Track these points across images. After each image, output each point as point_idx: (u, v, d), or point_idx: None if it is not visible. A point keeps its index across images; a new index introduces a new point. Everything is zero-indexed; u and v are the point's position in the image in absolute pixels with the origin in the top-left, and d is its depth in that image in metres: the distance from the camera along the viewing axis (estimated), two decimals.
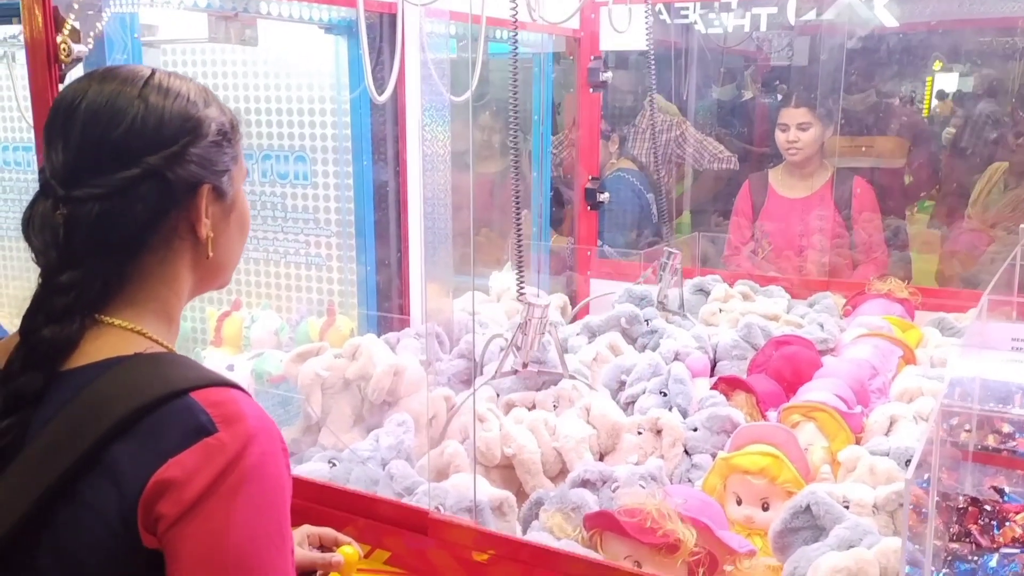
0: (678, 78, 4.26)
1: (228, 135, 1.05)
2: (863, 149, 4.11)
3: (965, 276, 3.55)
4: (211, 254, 1.05)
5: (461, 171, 2.67)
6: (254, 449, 0.91)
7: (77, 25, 1.73)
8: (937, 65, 4.53)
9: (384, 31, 2.54)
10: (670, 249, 2.76)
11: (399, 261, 2.77)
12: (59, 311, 0.94)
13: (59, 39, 1.67)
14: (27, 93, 2.75)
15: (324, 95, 2.65)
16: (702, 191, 4.48)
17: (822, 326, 2.52)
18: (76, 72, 1.72)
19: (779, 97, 4.75)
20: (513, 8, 2.12)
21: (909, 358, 2.30)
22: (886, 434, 1.85)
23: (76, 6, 1.74)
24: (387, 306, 2.78)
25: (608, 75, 3.36)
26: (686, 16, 3.56)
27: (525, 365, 2.04)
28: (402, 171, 2.71)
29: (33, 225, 0.97)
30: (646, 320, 2.53)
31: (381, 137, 2.67)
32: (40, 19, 1.66)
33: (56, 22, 1.68)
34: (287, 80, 2.67)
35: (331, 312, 2.70)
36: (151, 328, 1.00)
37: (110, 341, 0.97)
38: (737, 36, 4.21)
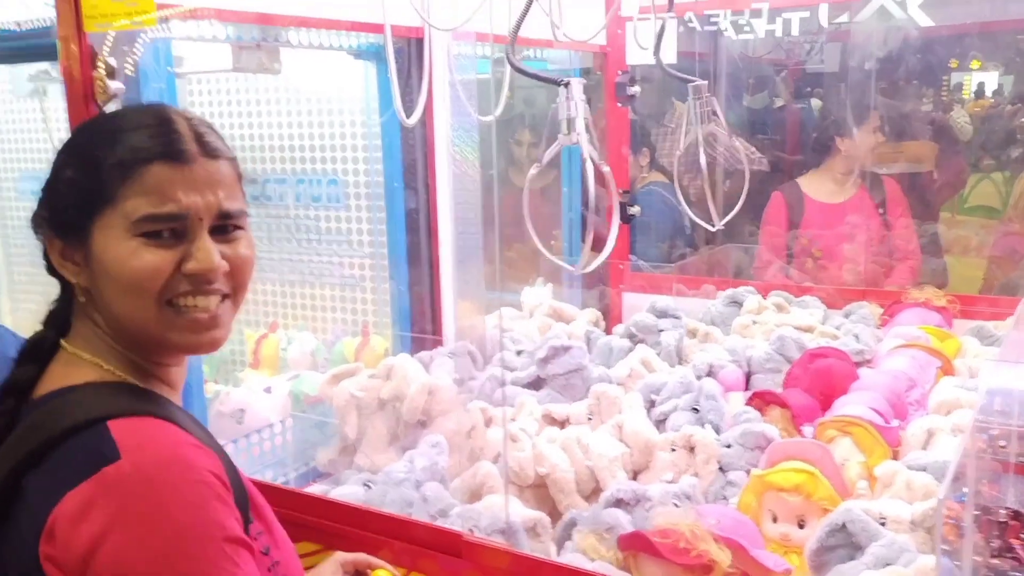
0: (708, 87, 4.24)
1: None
2: (895, 154, 4.05)
3: (1006, 282, 3.49)
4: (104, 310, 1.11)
5: (490, 189, 2.69)
6: (158, 477, 0.86)
7: (112, 61, 1.78)
8: (975, 64, 4.47)
9: (412, 55, 2.57)
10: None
11: (431, 280, 2.79)
12: (35, 348, 1.02)
13: (95, 76, 1.72)
14: (59, 126, 2.83)
15: (355, 119, 2.69)
16: (734, 198, 4.45)
17: (858, 337, 2.49)
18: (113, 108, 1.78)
19: (812, 104, 4.72)
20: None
21: (947, 369, 2.26)
22: (924, 448, 1.82)
23: (109, 41, 1.78)
24: (420, 325, 2.80)
25: (636, 89, 3.36)
26: (715, 23, 3.55)
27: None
28: (432, 191, 2.74)
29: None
30: (659, 331, 2.52)
31: (411, 159, 2.70)
32: (77, 57, 1.71)
33: (92, 60, 1.73)
34: (319, 106, 2.72)
35: (365, 332, 2.73)
36: (116, 360, 0.99)
37: (71, 371, 0.98)
38: (768, 42, 4.19)
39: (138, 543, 0.83)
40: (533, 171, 1.82)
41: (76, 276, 0.99)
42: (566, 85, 1.72)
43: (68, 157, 1.01)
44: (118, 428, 0.88)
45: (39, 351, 1.02)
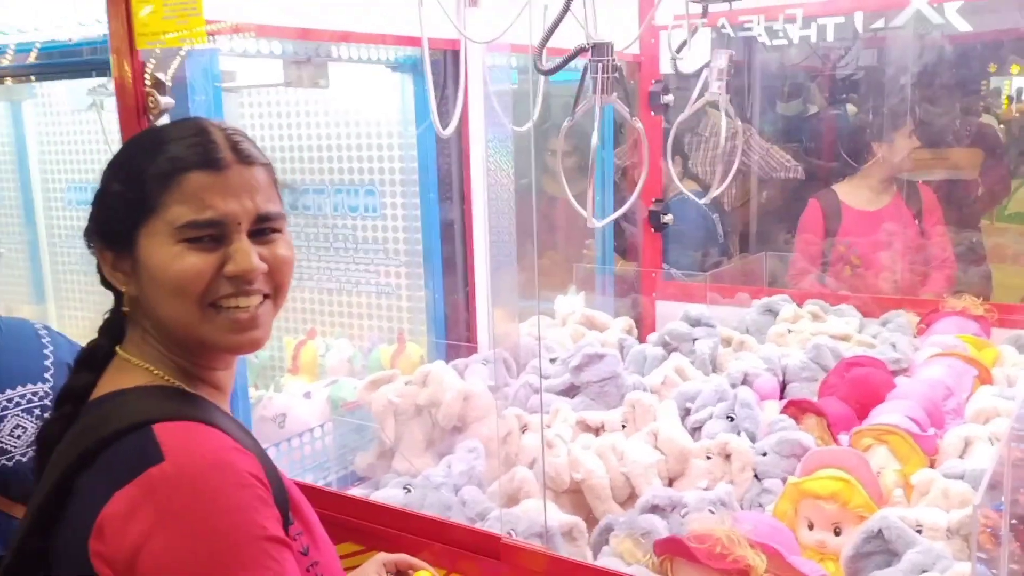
0: (742, 94, 4.25)
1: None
2: (935, 160, 4.01)
3: None
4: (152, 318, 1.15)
5: (524, 198, 2.72)
6: (200, 479, 0.89)
7: (162, 77, 1.84)
8: (1015, 69, 4.41)
9: (448, 67, 2.62)
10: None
11: (465, 288, 2.83)
12: (89, 353, 1.08)
13: (147, 91, 1.78)
14: (117, 139, 2.91)
15: (392, 130, 2.74)
16: (769, 208, 4.44)
17: (894, 346, 2.48)
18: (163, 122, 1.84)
19: (847, 110, 4.68)
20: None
21: (985, 378, 2.25)
22: (961, 456, 1.82)
23: (155, 57, 1.84)
24: (455, 332, 2.84)
25: (669, 98, 3.38)
26: (750, 29, 3.55)
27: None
28: (467, 200, 2.78)
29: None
30: (693, 339, 2.54)
31: (447, 169, 2.74)
32: (129, 73, 1.77)
33: (143, 76, 1.79)
34: (356, 117, 2.78)
35: (401, 340, 2.78)
36: (163, 365, 1.03)
37: (123, 375, 1.03)
38: (803, 48, 4.18)
39: (181, 543, 0.87)
40: (566, 124, 1.88)
41: (125, 285, 1.04)
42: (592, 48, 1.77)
43: (114, 171, 1.06)
44: (163, 431, 0.92)
45: (94, 359, 1.07)
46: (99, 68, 2.10)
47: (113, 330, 1.09)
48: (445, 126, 2.36)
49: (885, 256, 3.20)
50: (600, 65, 1.86)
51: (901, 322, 2.74)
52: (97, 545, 0.88)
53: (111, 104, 2.74)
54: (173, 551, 0.86)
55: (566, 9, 1.90)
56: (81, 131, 3.33)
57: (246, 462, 0.94)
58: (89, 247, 1.09)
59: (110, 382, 1.02)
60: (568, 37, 2.21)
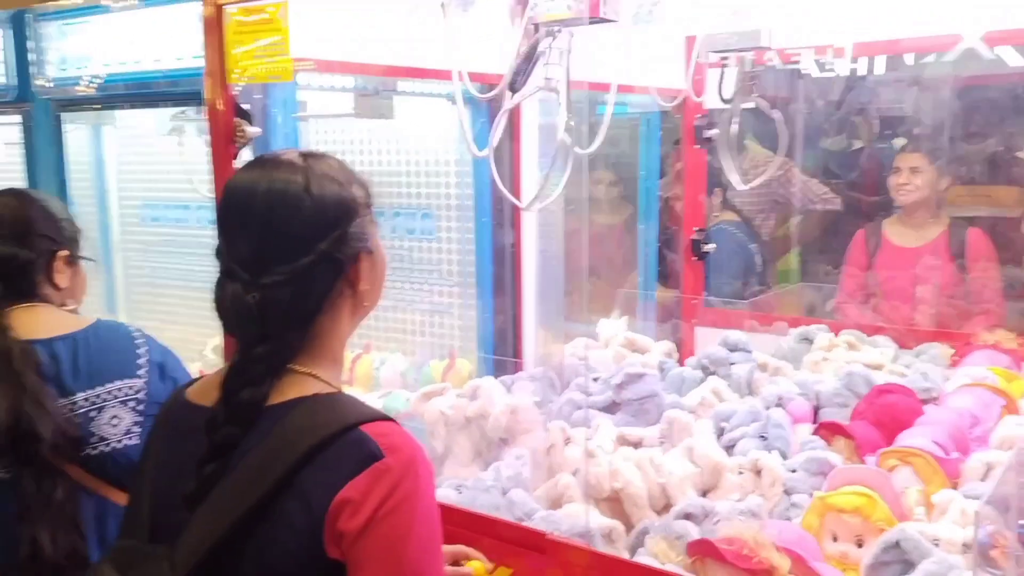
0: (789, 127, 4.34)
1: (369, 204, 1.24)
2: (979, 198, 4.05)
3: None
4: (367, 303, 1.27)
5: (574, 226, 2.87)
6: (413, 471, 1.09)
7: (247, 107, 2.04)
8: None
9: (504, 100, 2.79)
10: None
11: (514, 309, 2.99)
12: (255, 377, 1.14)
13: (236, 123, 1.98)
14: (194, 160, 3.14)
15: (449, 158, 2.92)
16: (809, 240, 4.53)
17: (925, 375, 2.57)
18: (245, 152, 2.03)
19: (894, 144, 4.76)
20: None
21: (1012, 408, 2.33)
22: (982, 479, 1.91)
23: (238, 88, 2.02)
24: (502, 351, 2.99)
25: (714, 132, 3.52)
26: (797, 62, 3.64)
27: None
28: (517, 226, 2.95)
29: (225, 305, 1.16)
30: (731, 363, 2.66)
31: (499, 195, 2.91)
32: (221, 104, 1.97)
33: (233, 107, 1.99)
34: (417, 145, 2.96)
35: (452, 356, 2.93)
36: (323, 371, 1.20)
37: (293, 384, 1.16)
38: (848, 83, 4.26)
39: (408, 521, 1.07)
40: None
41: (364, 284, 1.22)
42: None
43: (354, 204, 1.20)
44: (373, 431, 1.10)
45: (253, 376, 1.16)
46: (190, 98, 2.31)
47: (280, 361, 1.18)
48: (502, 153, 2.53)
49: (920, 291, 3.28)
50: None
51: (935, 353, 2.83)
52: (332, 525, 1.06)
53: (191, 129, 2.97)
54: (400, 528, 1.07)
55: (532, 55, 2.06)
56: (156, 152, 3.56)
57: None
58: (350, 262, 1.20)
59: (288, 391, 1.15)
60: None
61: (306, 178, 1.15)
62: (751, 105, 3.14)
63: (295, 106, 2.18)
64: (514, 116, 2.83)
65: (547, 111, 2.87)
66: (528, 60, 2.09)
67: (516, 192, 2.87)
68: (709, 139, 3.52)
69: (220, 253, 1.19)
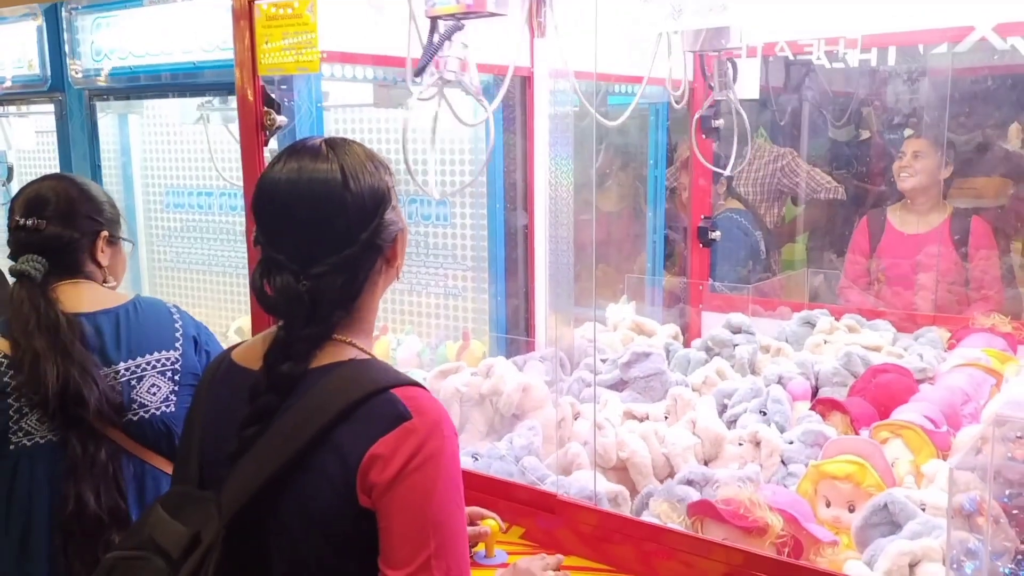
0: (794, 118, 4.43)
1: (394, 186, 1.33)
2: (975, 189, 4.08)
3: None
4: (399, 276, 1.38)
5: (584, 213, 2.98)
6: (439, 432, 1.18)
7: (275, 96, 2.15)
8: None
9: (517, 91, 2.90)
10: None
11: (526, 293, 3.10)
12: (300, 354, 1.23)
13: (265, 111, 2.09)
14: (218, 148, 3.25)
15: (464, 147, 3.02)
16: (814, 227, 4.61)
17: (922, 357, 2.67)
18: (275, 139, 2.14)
19: (903, 135, 4.81)
20: None
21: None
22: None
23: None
24: (515, 332, 3.11)
25: (720, 122, 3.61)
26: (809, 52, 3.70)
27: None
28: (530, 213, 3.05)
29: (274, 293, 1.23)
30: (734, 345, 2.76)
31: (512, 183, 3.02)
32: (251, 95, 2.09)
33: (262, 97, 2.10)
34: (432, 134, 3.06)
35: (466, 337, 3.05)
36: (358, 338, 1.29)
37: (331, 351, 1.25)
38: (861, 73, 4.31)
39: (432, 477, 1.17)
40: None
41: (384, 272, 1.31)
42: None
43: (386, 191, 1.29)
44: (402, 394, 1.19)
45: (291, 351, 1.25)
46: (219, 88, 2.42)
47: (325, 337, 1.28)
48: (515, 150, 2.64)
49: (920, 277, 3.37)
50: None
51: (932, 337, 2.93)
52: (363, 477, 1.16)
53: (215, 118, 3.09)
54: (428, 483, 1.16)
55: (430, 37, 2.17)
56: (181, 141, 3.68)
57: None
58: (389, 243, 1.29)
59: (326, 356, 1.25)
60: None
61: (343, 173, 1.23)
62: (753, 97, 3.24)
63: (320, 96, 2.29)
64: (527, 105, 2.94)
65: (559, 102, 2.99)
66: (429, 51, 2.19)
67: (529, 176, 2.98)
68: (716, 129, 3.62)
69: (260, 243, 1.26)
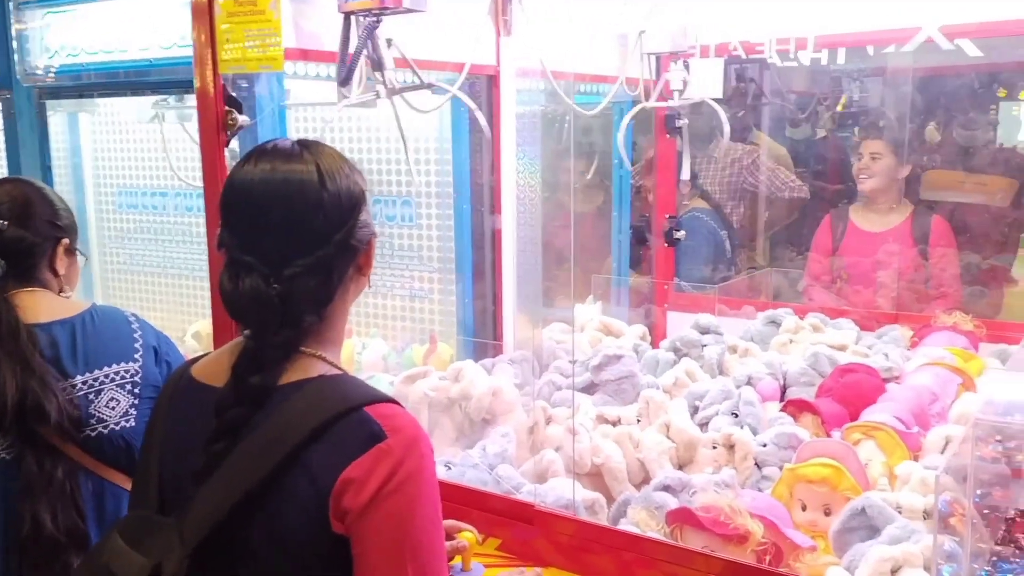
0: (753, 117, 4.46)
1: (367, 190, 1.28)
2: (967, 185, 4.10)
3: None
4: (370, 284, 1.33)
5: (550, 213, 2.95)
6: (415, 451, 1.12)
7: (236, 96, 2.08)
8: (1002, 93, 4.53)
9: (486, 90, 2.86)
10: None
11: (493, 294, 3.06)
12: (271, 362, 1.17)
13: (227, 110, 2.02)
14: (173, 148, 3.16)
15: (429, 146, 2.97)
16: (777, 226, 4.64)
17: (887, 356, 2.69)
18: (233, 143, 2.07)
19: (856, 133, 4.87)
20: None
21: (969, 386, 2.46)
22: (941, 452, 2.03)
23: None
24: (482, 335, 3.06)
25: (684, 122, 3.62)
26: (761, 51, 3.72)
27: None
28: (497, 212, 3.02)
29: (241, 296, 1.16)
30: (703, 345, 2.77)
31: (479, 183, 2.98)
32: (212, 94, 2.01)
33: (224, 96, 2.03)
34: (395, 133, 3.00)
35: (433, 340, 3.00)
36: (328, 351, 1.24)
37: (300, 365, 1.18)
38: (812, 73, 4.36)
39: (410, 501, 1.12)
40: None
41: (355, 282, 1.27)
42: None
43: (361, 194, 1.24)
44: (376, 412, 1.14)
45: (263, 360, 1.19)
46: (177, 86, 2.34)
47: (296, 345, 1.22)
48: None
49: (882, 275, 3.41)
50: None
51: (895, 335, 2.96)
52: (337, 502, 1.10)
53: (171, 116, 2.99)
54: (405, 506, 1.10)
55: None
56: (135, 140, 3.57)
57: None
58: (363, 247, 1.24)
59: (296, 371, 1.19)
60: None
61: (319, 173, 1.19)
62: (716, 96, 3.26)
63: (282, 95, 2.22)
64: (494, 102, 2.91)
65: (525, 101, 2.96)
66: (346, 50, 2.14)
67: (496, 176, 2.94)
68: (680, 128, 3.62)
69: (226, 245, 1.20)
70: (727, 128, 3.41)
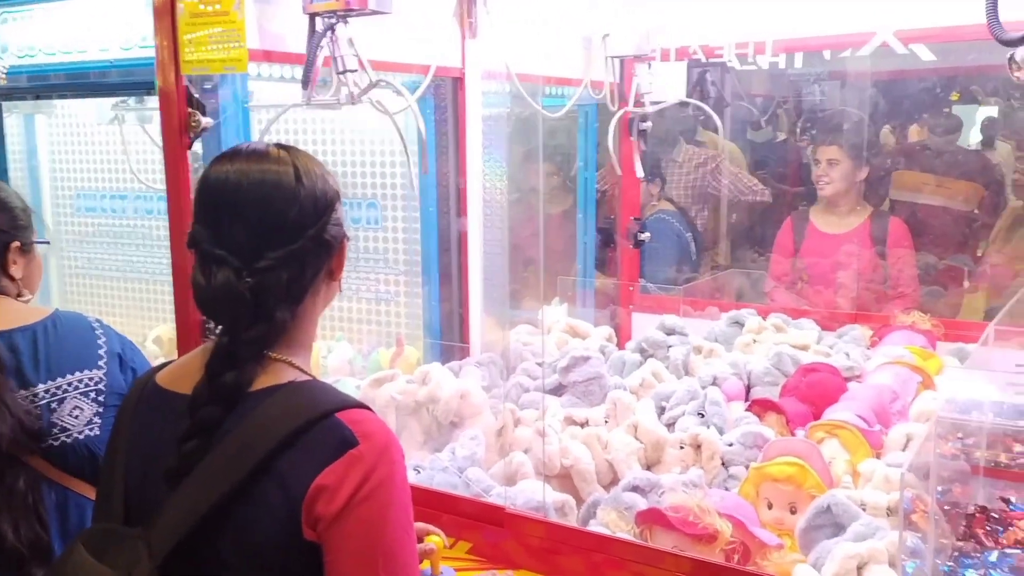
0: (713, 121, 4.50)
1: (340, 193, 1.29)
2: (935, 187, 4.17)
3: (989, 309, 3.74)
4: (341, 289, 1.32)
5: (517, 216, 2.96)
6: (387, 458, 1.12)
7: (200, 97, 2.06)
8: (955, 96, 4.63)
9: (451, 92, 2.86)
10: None
11: (460, 296, 3.06)
12: (244, 359, 1.16)
13: (189, 112, 1.99)
14: (133, 150, 3.10)
15: (395, 148, 2.96)
16: (738, 227, 4.70)
17: (848, 355, 2.74)
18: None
19: (815, 137, 4.95)
20: None
21: (928, 384, 2.51)
22: (903, 450, 2.07)
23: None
24: (449, 337, 3.06)
25: (647, 124, 3.65)
26: (721, 55, 3.76)
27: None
28: (464, 215, 3.01)
29: (213, 290, 1.16)
30: (668, 346, 2.80)
31: (445, 185, 2.98)
32: (174, 96, 1.99)
33: (187, 97, 2.00)
34: (362, 135, 2.99)
35: (400, 343, 2.99)
36: (297, 358, 1.23)
37: (270, 371, 1.18)
38: (771, 77, 4.43)
39: (382, 507, 1.11)
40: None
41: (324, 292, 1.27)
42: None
43: (335, 193, 1.25)
44: (347, 418, 1.13)
45: (236, 360, 1.18)
46: (139, 88, 2.30)
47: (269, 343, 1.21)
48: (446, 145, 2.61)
49: (841, 276, 3.47)
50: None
51: (855, 334, 3.01)
52: (309, 510, 1.10)
53: (131, 118, 2.95)
54: (377, 513, 1.11)
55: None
56: (94, 142, 3.51)
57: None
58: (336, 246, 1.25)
59: (265, 378, 1.18)
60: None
61: (295, 169, 1.20)
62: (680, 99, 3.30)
63: (246, 97, 2.19)
64: (459, 105, 2.90)
65: (491, 103, 2.96)
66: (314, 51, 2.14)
67: (462, 179, 2.94)
68: (643, 131, 3.65)
69: (196, 241, 1.19)
70: (719, 124, 3.46)
